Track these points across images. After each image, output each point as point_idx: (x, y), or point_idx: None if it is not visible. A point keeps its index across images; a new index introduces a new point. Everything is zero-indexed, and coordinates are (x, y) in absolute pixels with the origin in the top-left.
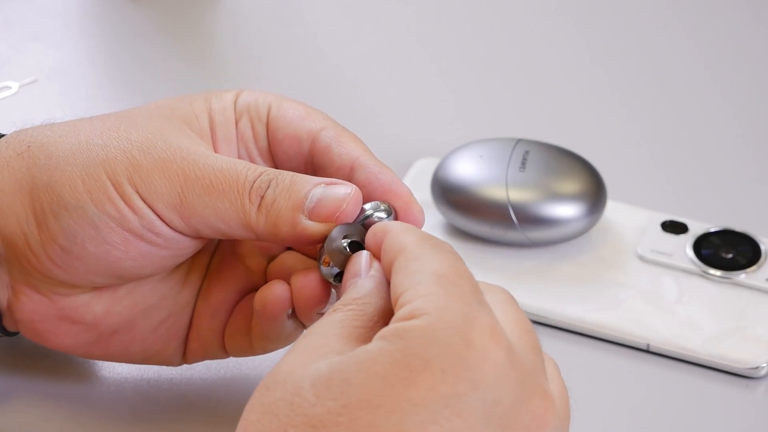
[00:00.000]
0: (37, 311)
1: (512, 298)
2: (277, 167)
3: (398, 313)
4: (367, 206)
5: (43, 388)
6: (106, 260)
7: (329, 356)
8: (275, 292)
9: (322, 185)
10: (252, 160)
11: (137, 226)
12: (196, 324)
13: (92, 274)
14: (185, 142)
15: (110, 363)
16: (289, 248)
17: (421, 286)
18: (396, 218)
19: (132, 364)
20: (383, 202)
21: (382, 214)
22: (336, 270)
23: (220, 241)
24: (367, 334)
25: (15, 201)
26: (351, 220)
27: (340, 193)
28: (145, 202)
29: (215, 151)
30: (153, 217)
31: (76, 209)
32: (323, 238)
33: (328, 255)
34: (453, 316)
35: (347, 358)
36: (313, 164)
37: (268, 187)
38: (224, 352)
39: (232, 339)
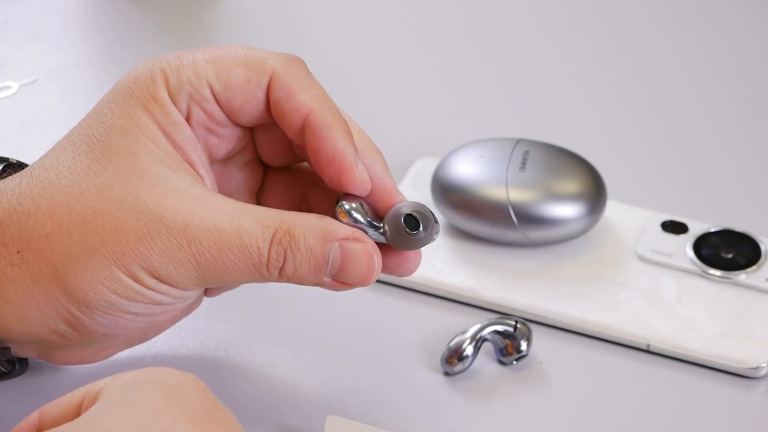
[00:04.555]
0: (71, 360)
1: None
2: (237, 123)
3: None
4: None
5: (43, 388)
6: (147, 324)
7: None
8: None
9: (336, 243)
10: (214, 133)
11: (169, 301)
12: None
13: (133, 331)
14: (179, 207)
15: (111, 364)
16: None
17: None
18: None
19: (133, 365)
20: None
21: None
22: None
23: None
24: None
25: (32, 311)
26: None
27: (362, 260)
28: (169, 285)
29: (189, 163)
30: (179, 291)
31: (110, 308)
32: None
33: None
34: None
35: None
36: (270, 113)
37: (284, 260)
38: None
39: None
